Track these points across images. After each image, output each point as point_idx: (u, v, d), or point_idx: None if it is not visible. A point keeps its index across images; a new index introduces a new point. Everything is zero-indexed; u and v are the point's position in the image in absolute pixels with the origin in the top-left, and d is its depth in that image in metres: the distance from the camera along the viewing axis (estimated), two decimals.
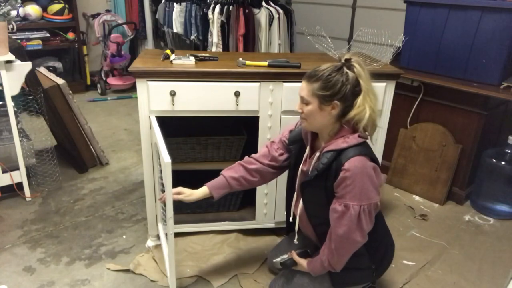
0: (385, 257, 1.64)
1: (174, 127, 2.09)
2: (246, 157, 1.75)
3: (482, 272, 2.02)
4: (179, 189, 1.67)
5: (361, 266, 1.55)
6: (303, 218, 1.62)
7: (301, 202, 1.60)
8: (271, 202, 2.12)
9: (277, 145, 1.71)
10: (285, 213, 1.84)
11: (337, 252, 1.46)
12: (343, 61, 1.45)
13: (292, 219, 1.69)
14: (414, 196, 2.69)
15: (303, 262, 1.60)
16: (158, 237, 2.11)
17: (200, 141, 2.07)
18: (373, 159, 1.44)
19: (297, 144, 1.67)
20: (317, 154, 1.51)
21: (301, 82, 1.87)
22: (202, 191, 1.68)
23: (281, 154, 1.71)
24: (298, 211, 1.62)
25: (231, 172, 1.70)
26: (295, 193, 1.68)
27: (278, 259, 1.69)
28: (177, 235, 2.14)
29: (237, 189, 1.72)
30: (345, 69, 1.42)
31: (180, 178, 2.04)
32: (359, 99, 1.41)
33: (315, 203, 1.54)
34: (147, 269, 1.94)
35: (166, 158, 1.47)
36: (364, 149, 1.42)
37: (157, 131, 1.70)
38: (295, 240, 1.68)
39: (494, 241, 2.27)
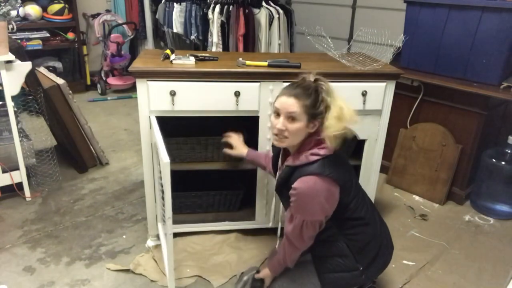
0: (376, 259, 1.61)
1: (174, 127, 2.09)
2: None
3: (482, 272, 2.02)
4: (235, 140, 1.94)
5: (347, 268, 1.56)
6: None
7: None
8: (271, 202, 2.11)
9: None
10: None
11: (287, 248, 1.57)
12: (312, 80, 1.46)
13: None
14: (414, 196, 2.69)
15: (265, 272, 1.66)
16: (158, 237, 2.11)
17: (200, 141, 2.06)
18: (330, 176, 1.43)
19: (276, 149, 1.72)
20: (281, 166, 1.59)
21: None
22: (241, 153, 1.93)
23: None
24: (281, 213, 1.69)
25: (260, 155, 1.93)
26: None
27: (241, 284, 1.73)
28: (177, 235, 2.15)
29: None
30: (320, 88, 1.44)
31: (180, 178, 2.05)
32: (329, 114, 1.41)
33: (287, 207, 1.59)
34: (147, 269, 1.94)
35: (165, 158, 1.47)
36: (320, 167, 1.42)
37: (156, 131, 1.70)
38: (276, 246, 1.75)
39: (494, 241, 2.27)
